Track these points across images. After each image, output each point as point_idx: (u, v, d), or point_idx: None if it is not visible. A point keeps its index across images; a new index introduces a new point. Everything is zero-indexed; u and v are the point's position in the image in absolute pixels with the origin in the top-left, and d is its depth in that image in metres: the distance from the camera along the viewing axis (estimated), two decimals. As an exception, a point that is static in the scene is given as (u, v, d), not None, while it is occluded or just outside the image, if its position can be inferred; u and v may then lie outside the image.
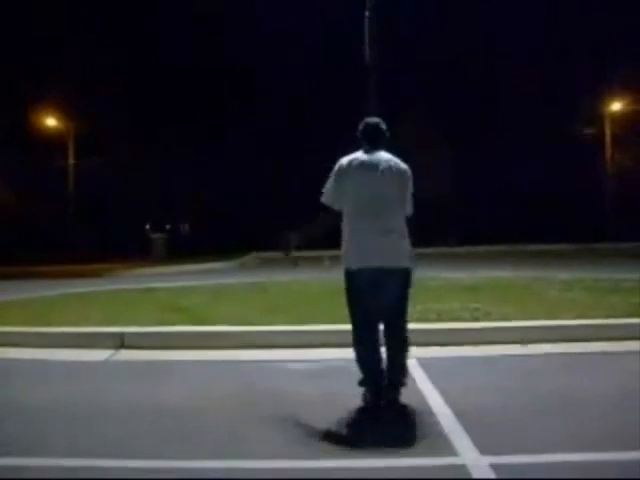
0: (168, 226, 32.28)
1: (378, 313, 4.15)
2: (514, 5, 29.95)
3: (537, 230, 28.12)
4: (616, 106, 32.21)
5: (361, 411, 4.10)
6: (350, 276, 4.15)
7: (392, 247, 4.09)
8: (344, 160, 4.23)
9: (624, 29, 28.62)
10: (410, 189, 4.29)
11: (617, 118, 32.49)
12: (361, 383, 4.21)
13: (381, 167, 4.14)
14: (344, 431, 3.79)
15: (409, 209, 4.31)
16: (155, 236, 26.27)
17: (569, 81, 28.89)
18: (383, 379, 4.16)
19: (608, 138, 32.58)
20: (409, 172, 4.27)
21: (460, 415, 3.92)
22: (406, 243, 4.19)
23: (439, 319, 6.81)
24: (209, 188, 33.15)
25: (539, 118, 30.88)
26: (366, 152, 4.21)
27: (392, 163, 4.20)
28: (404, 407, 4.09)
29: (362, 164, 4.15)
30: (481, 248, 26.22)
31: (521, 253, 23.43)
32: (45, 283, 14.79)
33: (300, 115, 30.47)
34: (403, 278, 4.15)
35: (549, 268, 14.50)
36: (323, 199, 4.27)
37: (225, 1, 31.09)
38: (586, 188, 31.65)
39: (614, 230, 30.35)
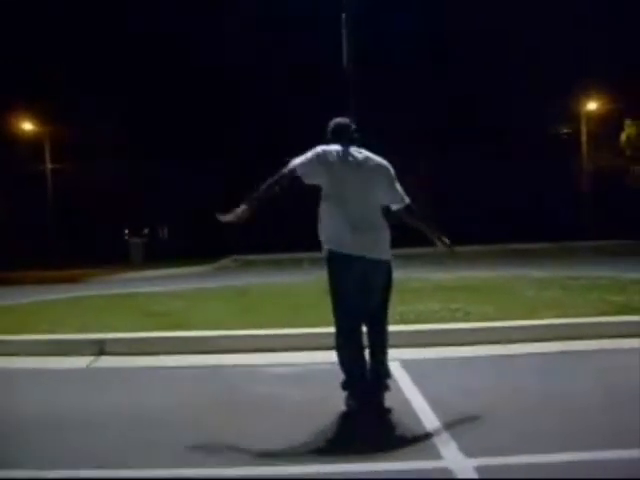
0: (146, 230, 32.06)
1: (361, 307, 4.11)
2: (489, 5, 30.16)
3: (515, 229, 28.30)
4: (592, 105, 32.58)
5: (344, 415, 4.08)
6: (333, 259, 4.10)
7: (374, 240, 4.10)
8: (326, 148, 4.18)
9: (599, 29, 28.94)
10: (395, 181, 4.27)
11: (593, 117, 32.87)
12: (344, 386, 4.18)
13: (362, 163, 4.16)
14: (327, 436, 3.77)
15: (403, 200, 4.30)
16: (133, 241, 26.06)
17: (545, 81, 29.13)
18: (366, 382, 4.13)
19: (584, 137, 32.94)
20: (388, 166, 4.27)
21: (443, 417, 3.92)
22: (387, 237, 4.21)
23: (419, 320, 6.82)
24: (188, 191, 32.96)
25: (516, 118, 31.12)
26: (346, 148, 4.20)
27: (369, 160, 4.21)
28: (387, 410, 4.07)
29: (344, 157, 4.14)
30: (460, 248, 26.35)
31: (499, 252, 23.58)
32: (21, 289, 14.61)
33: (278, 116, 30.40)
34: (385, 271, 4.18)
35: (528, 267, 14.61)
36: (295, 167, 4.10)
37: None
38: (563, 187, 31.97)
39: (591, 228, 30.68)
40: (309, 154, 4.16)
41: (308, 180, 4.14)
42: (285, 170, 4.13)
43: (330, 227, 4.14)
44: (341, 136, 4.29)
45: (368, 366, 4.16)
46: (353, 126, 4.39)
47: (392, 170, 4.28)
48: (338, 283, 4.11)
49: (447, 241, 4.53)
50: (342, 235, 4.07)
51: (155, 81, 31.37)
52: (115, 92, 30.48)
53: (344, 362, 4.17)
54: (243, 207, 4.12)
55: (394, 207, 4.33)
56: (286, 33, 28.81)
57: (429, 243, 4.68)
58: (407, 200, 4.32)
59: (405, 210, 4.33)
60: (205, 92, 32.01)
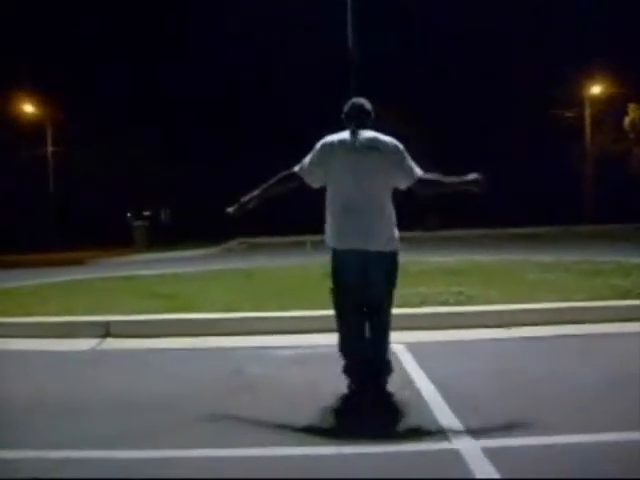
0: (147, 213, 32.03)
1: (362, 297, 4.11)
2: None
3: (518, 213, 28.26)
4: (595, 89, 32.40)
5: (349, 398, 4.10)
6: (332, 253, 4.14)
7: (376, 230, 4.04)
8: (329, 138, 4.15)
9: (603, 12, 28.72)
10: (404, 160, 4.10)
11: (596, 101, 32.70)
12: (344, 370, 4.19)
13: (367, 147, 4.06)
14: (333, 418, 3.80)
15: (413, 175, 4.09)
16: (137, 223, 26.06)
17: (549, 64, 28.97)
18: (366, 367, 4.12)
19: (588, 121, 32.79)
20: (395, 144, 4.11)
21: (450, 399, 3.95)
22: (391, 225, 4.13)
23: (423, 303, 6.84)
24: (189, 172, 32.92)
25: (519, 101, 30.96)
26: (352, 132, 4.14)
27: (374, 141, 4.09)
28: (393, 392, 4.09)
29: (347, 144, 4.08)
30: (462, 231, 26.34)
31: (502, 236, 23.57)
32: (26, 272, 14.64)
33: (282, 108, 30.31)
34: (388, 261, 4.11)
35: (531, 251, 14.62)
36: (299, 170, 4.17)
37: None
38: (566, 171, 31.87)
39: (594, 212, 30.63)
40: (313, 154, 4.16)
41: (312, 183, 4.18)
42: (289, 172, 4.20)
43: (329, 224, 4.16)
44: (355, 117, 4.22)
45: (369, 350, 4.15)
46: (369, 106, 4.30)
47: (401, 147, 4.11)
48: (336, 276, 4.16)
49: (476, 177, 4.25)
50: (339, 228, 4.07)
51: (157, 62, 31.23)
52: (118, 74, 30.38)
53: (343, 347, 4.19)
54: (248, 198, 4.27)
55: (404, 186, 4.14)
56: (292, 32, 28.60)
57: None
58: (417, 174, 4.11)
59: (418, 184, 4.11)
60: (207, 73, 31.89)
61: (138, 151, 31.68)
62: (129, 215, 27.25)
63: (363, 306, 4.16)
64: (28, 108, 31.57)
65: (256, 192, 4.26)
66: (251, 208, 4.27)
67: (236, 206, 4.30)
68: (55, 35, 29.56)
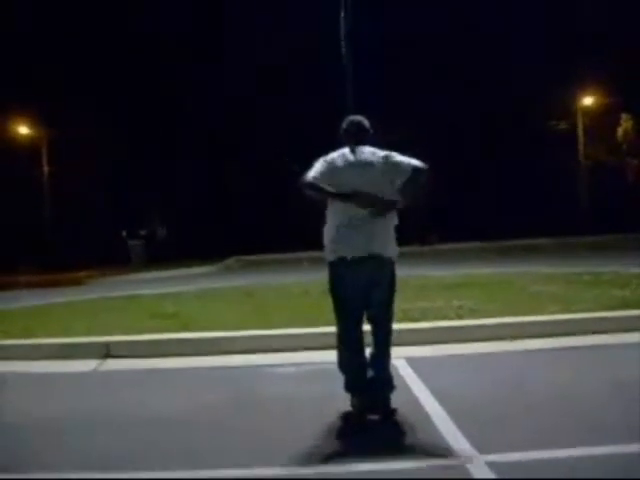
0: (143, 232, 31.98)
1: (361, 306, 4.12)
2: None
3: (514, 225, 28.30)
4: (588, 100, 32.60)
5: (353, 415, 4.08)
6: (333, 267, 4.14)
7: (378, 239, 4.06)
8: (331, 156, 4.19)
9: (596, 23, 28.95)
10: (396, 157, 4.13)
11: (589, 112, 32.89)
12: (346, 387, 4.18)
13: (366, 162, 4.12)
14: (337, 435, 3.79)
15: (415, 165, 4.08)
16: (133, 242, 26.04)
17: (541, 75, 29.14)
18: (368, 384, 4.11)
19: (580, 132, 32.95)
20: (391, 155, 4.15)
21: (453, 414, 3.95)
22: (392, 235, 4.17)
23: (424, 318, 6.84)
24: (186, 190, 32.94)
25: (513, 112, 31.11)
26: (351, 150, 4.20)
27: (375, 156, 4.15)
28: (396, 408, 4.07)
29: (348, 160, 4.13)
30: (461, 245, 26.38)
31: (500, 248, 23.60)
32: (24, 293, 14.60)
33: (278, 115, 30.31)
34: (387, 268, 4.13)
35: (529, 263, 14.64)
36: (312, 179, 4.05)
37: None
38: (560, 181, 31.97)
39: (588, 223, 30.70)
40: (319, 164, 4.15)
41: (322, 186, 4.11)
42: (305, 182, 4.06)
43: (330, 233, 4.16)
44: (353, 135, 4.28)
45: (371, 366, 4.15)
46: (366, 124, 4.36)
47: (394, 153, 4.17)
48: (336, 289, 4.15)
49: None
50: (340, 240, 4.08)
51: (152, 81, 31.29)
52: (112, 93, 30.43)
53: (342, 364, 4.19)
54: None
55: (405, 177, 4.07)
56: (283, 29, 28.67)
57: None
58: (415, 163, 4.09)
59: (412, 175, 4.06)
60: (204, 92, 31.95)
61: (134, 168, 31.73)
62: (124, 234, 27.18)
63: (362, 321, 4.17)
64: (22, 129, 31.63)
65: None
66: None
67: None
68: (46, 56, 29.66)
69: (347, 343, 4.17)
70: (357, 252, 4.03)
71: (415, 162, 4.13)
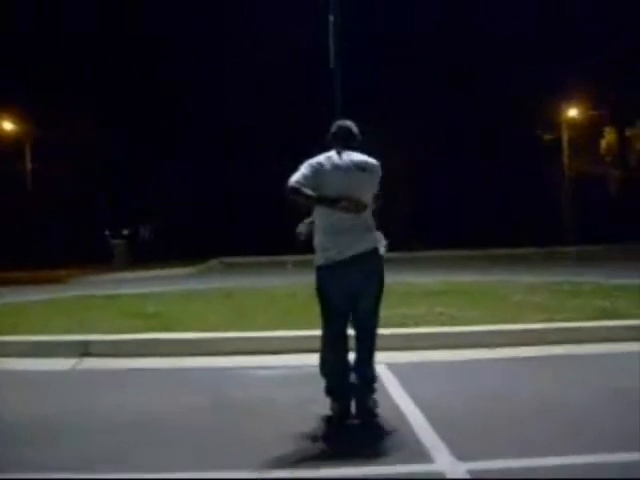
0: (126, 231, 31.82)
1: (348, 308, 4.11)
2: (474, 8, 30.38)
3: (497, 234, 28.46)
4: (573, 112, 32.90)
5: (333, 419, 4.06)
6: (321, 269, 4.13)
7: (360, 238, 4.06)
8: (318, 159, 4.17)
9: (582, 35, 29.24)
10: (377, 185, 4.25)
11: (574, 124, 33.19)
12: (327, 392, 4.17)
13: (353, 167, 4.12)
14: (316, 440, 3.76)
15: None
16: (116, 242, 25.86)
17: (528, 86, 29.33)
18: (350, 389, 4.11)
19: (565, 144, 33.24)
20: (377, 166, 4.22)
21: (433, 420, 3.93)
22: (374, 234, 4.18)
23: (405, 324, 6.83)
24: (171, 191, 32.80)
25: (500, 122, 31.32)
26: (338, 153, 4.19)
27: (363, 162, 4.18)
28: (376, 414, 4.06)
29: (334, 163, 4.12)
30: (444, 252, 26.47)
31: (483, 257, 23.71)
32: (2, 290, 14.43)
33: (263, 117, 30.25)
34: (376, 261, 4.12)
35: (511, 272, 14.69)
36: (296, 184, 3.99)
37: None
38: (545, 192, 32.23)
39: (572, 233, 30.96)
40: (305, 168, 4.12)
41: (306, 190, 4.04)
42: (289, 186, 4.00)
43: (318, 237, 4.16)
44: (341, 139, 4.28)
45: (354, 370, 4.14)
46: (355, 130, 4.36)
47: (379, 174, 4.24)
48: (324, 290, 4.14)
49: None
50: (328, 244, 4.07)
51: (139, 77, 31.14)
52: (98, 90, 30.24)
53: (324, 368, 4.18)
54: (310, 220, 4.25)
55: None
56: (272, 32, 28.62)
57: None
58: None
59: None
60: (192, 89, 31.85)
61: (119, 167, 31.56)
62: (107, 233, 26.98)
63: (347, 324, 4.16)
64: (7, 125, 31.39)
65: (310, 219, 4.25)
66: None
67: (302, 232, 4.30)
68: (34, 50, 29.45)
69: (332, 344, 4.15)
70: (345, 254, 4.02)
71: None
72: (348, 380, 4.11)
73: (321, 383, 4.16)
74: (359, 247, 4.04)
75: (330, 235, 4.07)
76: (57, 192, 31.37)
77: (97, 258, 24.93)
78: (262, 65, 29.47)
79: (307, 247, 4.33)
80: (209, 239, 28.69)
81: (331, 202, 4.01)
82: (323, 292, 4.14)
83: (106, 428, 4.04)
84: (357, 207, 4.02)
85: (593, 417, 4.00)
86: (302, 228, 4.31)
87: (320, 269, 4.13)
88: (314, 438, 3.76)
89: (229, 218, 31.60)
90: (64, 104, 28.94)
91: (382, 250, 4.20)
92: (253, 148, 30.89)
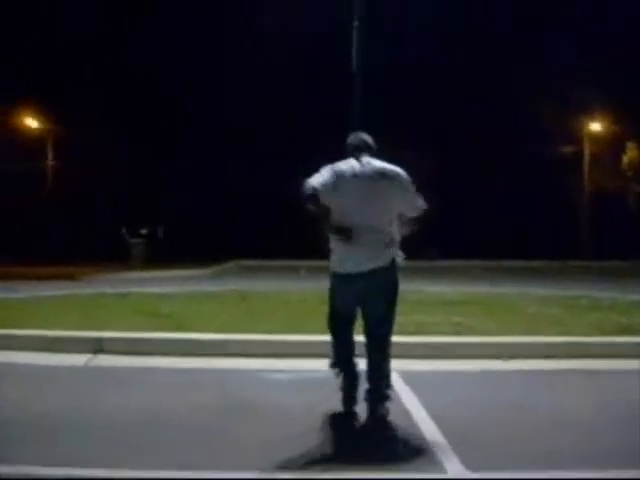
0: (144, 230, 31.97)
1: (355, 308, 4.21)
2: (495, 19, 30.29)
3: (516, 247, 28.28)
4: (595, 127, 32.65)
5: (343, 425, 4.06)
6: (336, 277, 4.21)
7: (378, 253, 4.07)
8: (338, 165, 4.19)
9: (603, 50, 29.04)
10: (409, 188, 4.19)
11: (596, 139, 32.93)
12: (331, 365, 4.32)
13: (374, 174, 4.12)
14: (325, 445, 3.73)
15: (417, 207, 4.21)
16: (134, 241, 25.96)
17: (549, 101, 29.17)
18: (356, 370, 4.24)
19: (587, 157, 32.99)
20: (403, 174, 4.20)
21: (445, 430, 3.89)
22: (393, 249, 4.16)
23: (421, 332, 6.79)
24: (188, 191, 32.94)
25: (519, 136, 31.13)
26: (358, 160, 4.20)
27: (383, 169, 4.17)
28: (389, 421, 4.03)
29: (355, 171, 4.13)
30: (461, 262, 26.32)
31: (500, 268, 23.55)
32: (19, 285, 14.52)
33: (281, 121, 30.24)
34: (388, 274, 4.11)
35: (529, 284, 14.57)
36: (313, 191, 4.00)
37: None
38: (564, 205, 32.00)
39: (591, 248, 30.68)
40: (324, 172, 4.14)
41: (323, 200, 4.05)
42: (305, 193, 4.01)
43: (335, 249, 4.18)
44: (357, 149, 4.28)
45: (367, 377, 4.14)
46: (371, 141, 4.36)
47: (407, 177, 4.20)
48: (334, 298, 4.24)
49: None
50: (345, 255, 4.10)
51: (156, 83, 31.35)
52: (118, 91, 30.49)
53: (334, 344, 4.31)
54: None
55: (409, 215, 4.26)
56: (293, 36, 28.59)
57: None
58: (422, 206, 4.21)
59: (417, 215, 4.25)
60: (206, 93, 31.99)
61: (138, 167, 31.77)
62: (124, 231, 27.05)
63: (353, 328, 4.27)
64: (30, 122, 31.73)
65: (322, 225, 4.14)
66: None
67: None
68: (58, 48, 29.76)
69: (339, 348, 4.28)
70: (361, 268, 4.05)
71: (421, 204, 4.22)
72: (354, 363, 4.26)
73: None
74: (376, 262, 4.06)
75: (348, 246, 4.07)
76: (76, 190, 31.62)
77: (114, 256, 25.06)
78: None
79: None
80: (226, 241, 28.74)
81: (337, 231, 4.05)
82: (334, 296, 4.24)
83: (111, 425, 4.05)
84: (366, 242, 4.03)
85: (606, 433, 3.94)
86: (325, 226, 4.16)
87: (335, 276, 4.20)
88: (323, 443, 3.74)
89: (246, 221, 31.65)
90: (88, 104, 29.20)
91: (399, 260, 4.18)
92: (277, 151, 30.88)
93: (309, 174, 4.17)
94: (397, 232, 4.22)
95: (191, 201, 32.82)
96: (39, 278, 16.87)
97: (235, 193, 32.64)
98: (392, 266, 4.14)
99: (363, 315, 4.20)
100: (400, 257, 4.21)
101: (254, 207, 31.94)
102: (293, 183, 4.42)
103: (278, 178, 28.51)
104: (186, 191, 32.57)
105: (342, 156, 4.30)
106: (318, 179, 4.09)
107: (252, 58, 30.09)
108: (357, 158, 4.21)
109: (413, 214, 4.24)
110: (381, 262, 4.07)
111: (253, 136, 31.36)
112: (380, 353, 4.16)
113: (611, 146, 32.49)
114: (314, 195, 3.99)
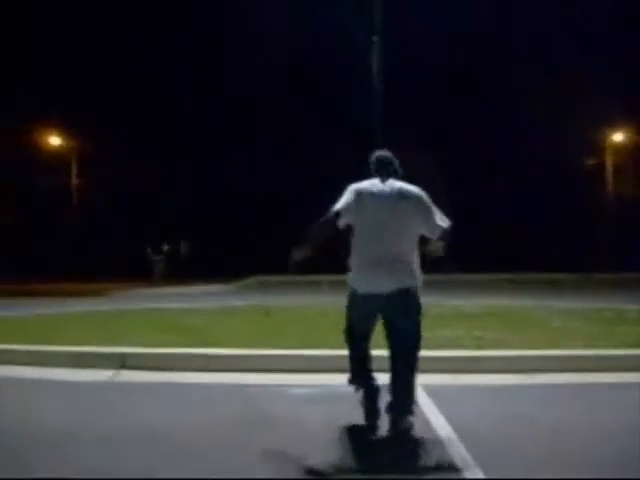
0: (166, 247, 32.28)
1: (370, 329, 4.29)
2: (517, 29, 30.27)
3: (537, 258, 28.07)
4: (618, 137, 32.41)
5: (366, 438, 4.05)
6: (351, 294, 4.26)
7: (397, 275, 4.07)
8: (361, 185, 4.25)
9: (626, 61, 28.88)
10: (431, 209, 4.19)
11: (618, 148, 32.68)
12: (350, 381, 4.38)
13: (396, 194, 4.16)
14: (347, 459, 3.72)
15: (439, 227, 4.16)
16: (157, 258, 26.24)
17: (571, 110, 29.01)
18: (375, 385, 4.26)
19: (610, 169, 32.73)
20: (422, 194, 4.22)
21: (469, 444, 3.87)
22: (412, 271, 4.16)
23: (443, 346, 6.76)
24: (211, 208, 33.19)
25: (542, 147, 30.98)
26: (382, 180, 4.26)
27: (403, 190, 4.21)
28: (412, 434, 4.02)
29: (377, 191, 4.18)
30: (480, 276, 26.17)
31: (521, 281, 23.39)
32: (45, 301, 14.72)
33: (301, 134, 30.29)
34: (410, 297, 4.12)
35: (550, 297, 14.46)
36: (332, 213, 4.08)
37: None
38: (586, 217, 31.73)
39: (614, 260, 30.33)
40: (346, 193, 4.20)
41: (345, 216, 4.09)
42: (328, 214, 4.10)
43: (354, 269, 4.22)
44: (381, 169, 4.34)
45: (390, 389, 4.12)
46: (393, 159, 4.43)
47: (427, 198, 4.22)
48: (352, 316, 4.31)
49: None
50: (364, 275, 4.13)
51: (179, 97, 31.64)
52: (139, 110, 30.85)
53: (351, 358, 4.38)
54: (299, 252, 4.16)
55: (430, 236, 4.21)
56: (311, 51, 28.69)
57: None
58: (442, 227, 4.16)
59: (439, 236, 4.18)
60: (226, 107, 32.20)
61: (161, 184, 32.10)
62: (148, 250, 27.34)
63: (369, 343, 4.34)
64: (54, 140, 32.23)
65: (304, 247, 4.15)
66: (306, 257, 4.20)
67: (292, 267, 4.25)
68: (83, 67, 30.21)
69: (355, 363, 4.35)
70: (379, 289, 4.07)
71: (443, 224, 4.18)
72: (369, 381, 4.27)
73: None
74: (394, 284, 4.06)
75: (368, 266, 4.11)
76: (99, 207, 32.01)
77: (137, 273, 25.30)
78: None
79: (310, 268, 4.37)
80: (246, 257, 28.88)
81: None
82: (351, 310, 4.31)
83: (137, 441, 4.07)
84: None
85: (630, 449, 3.89)
86: (297, 255, 4.17)
87: (352, 292, 4.24)
88: (346, 457, 3.74)
89: (265, 237, 31.78)
90: (111, 122, 29.57)
91: (418, 281, 4.20)
92: (290, 165, 30.97)
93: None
94: (417, 254, 4.23)
95: (213, 218, 33.05)
96: (64, 295, 17.10)
97: (253, 211, 32.83)
98: (412, 287, 4.14)
99: (386, 330, 4.19)
100: (419, 278, 4.20)
101: (274, 225, 32.10)
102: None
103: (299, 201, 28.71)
104: (209, 208, 32.79)
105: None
106: (341, 201, 4.16)
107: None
108: (382, 179, 4.27)
109: (434, 235, 4.18)
110: (401, 284, 4.07)
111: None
112: (407, 367, 4.13)
113: (634, 157, 32.20)
114: (331, 221, 4.06)
